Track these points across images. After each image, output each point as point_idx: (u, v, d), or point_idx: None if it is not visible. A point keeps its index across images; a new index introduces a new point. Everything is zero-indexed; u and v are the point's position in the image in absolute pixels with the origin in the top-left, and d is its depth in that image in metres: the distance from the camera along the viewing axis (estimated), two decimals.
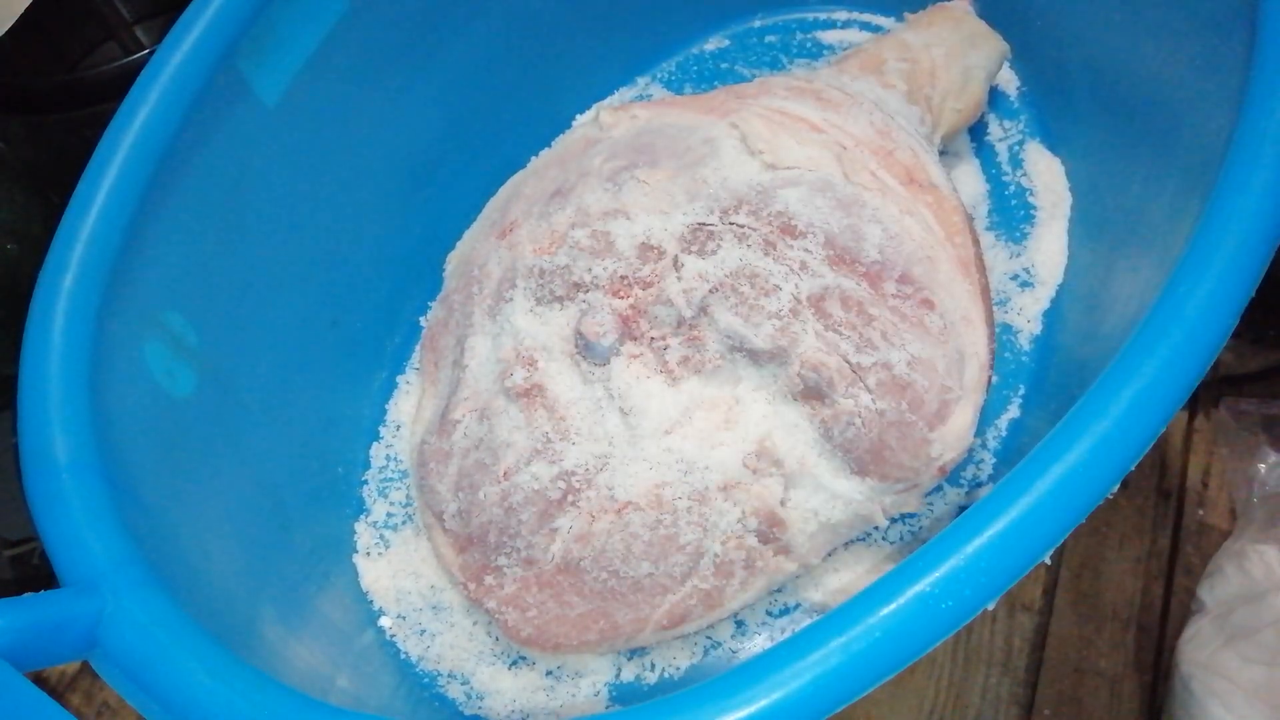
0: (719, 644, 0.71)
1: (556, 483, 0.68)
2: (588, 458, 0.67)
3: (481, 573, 0.71)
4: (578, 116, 0.97)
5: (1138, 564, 0.79)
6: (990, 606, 0.43)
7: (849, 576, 0.71)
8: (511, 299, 0.74)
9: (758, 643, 0.71)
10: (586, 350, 0.68)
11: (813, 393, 0.67)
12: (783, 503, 0.67)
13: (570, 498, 0.67)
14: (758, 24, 1.00)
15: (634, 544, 0.66)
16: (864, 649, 0.42)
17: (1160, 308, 0.48)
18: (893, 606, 0.43)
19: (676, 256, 0.69)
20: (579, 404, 0.69)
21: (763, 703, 0.41)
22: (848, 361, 0.67)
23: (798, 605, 0.71)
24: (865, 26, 0.97)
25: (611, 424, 0.68)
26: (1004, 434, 0.75)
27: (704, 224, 0.69)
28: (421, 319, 0.88)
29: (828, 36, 0.98)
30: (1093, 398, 0.47)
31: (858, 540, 0.72)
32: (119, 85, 0.70)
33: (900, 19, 0.93)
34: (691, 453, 0.66)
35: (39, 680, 0.88)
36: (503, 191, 0.89)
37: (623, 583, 0.67)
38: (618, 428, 0.68)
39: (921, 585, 0.43)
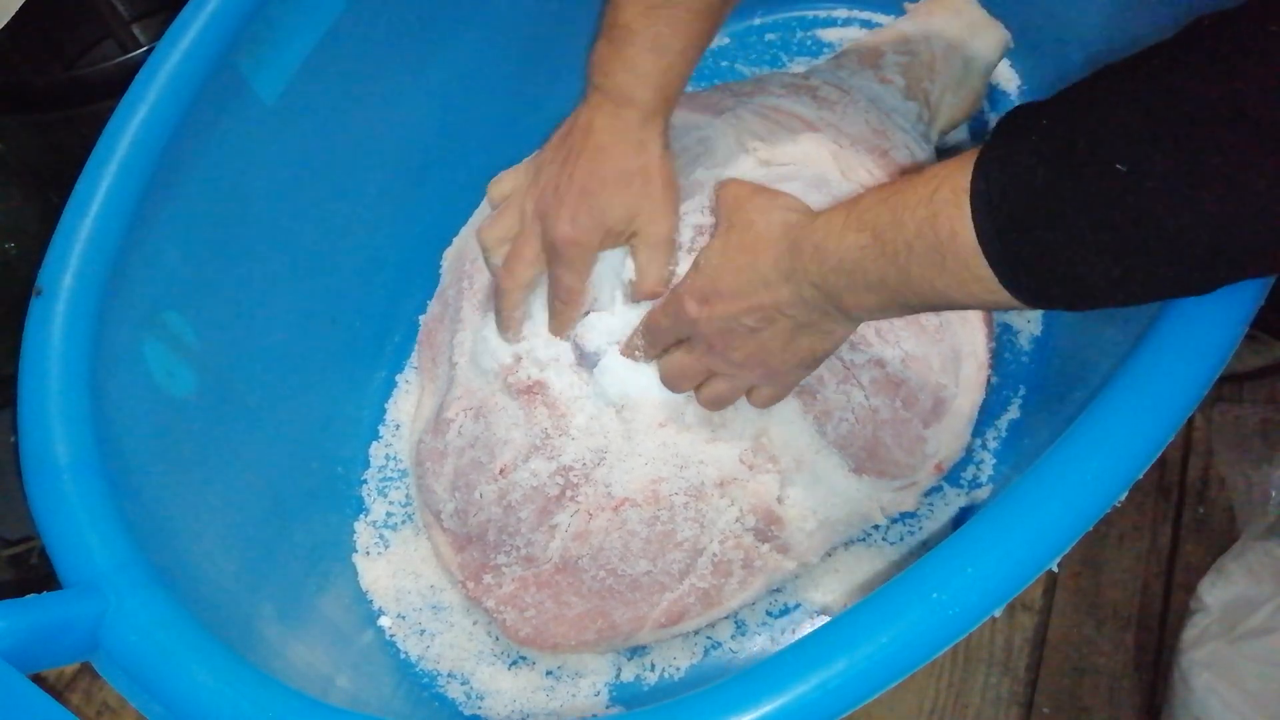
0: (719, 644, 0.71)
1: (555, 478, 0.68)
2: (585, 453, 0.67)
3: (480, 571, 0.71)
4: None
5: (1137, 562, 0.79)
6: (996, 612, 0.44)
7: (849, 577, 0.71)
8: None
9: (758, 643, 0.71)
10: (583, 359, 0.68)
11: (806, 389, 0.67)
12: (780, 500, 0.67)
13: (569, 493, 0.67)
14: (758, 22, 1.00)
15: (632, 541, 0.66)
16: (870, 655, 0.42)
17: (1168, 313, 0.48)
18: (900, 613, 0.43)
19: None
20: (578, 400, 0.69)
21: (767, 708, 0.41)
22: (840, 359, 0.67)
23: (798, 605, 0.71)
24: (865, 24, 0.97)
25: (608, 419, 0.68)
26: (1004, 434, 0.75)
27: (699, 224, 0.69)
28: (420, 318, 0.88)
29: (828, 34, 0.98)
30: (1101, 405, 0.47)
31: (858, 541, 0.72)
32: (117, 83, 0.70)
33: (900, 15, 0.93)
34: (687, 448, 0.66)
35: (38, 681, 0.88)
36: None
37: (621, 581, 0.67)
38: (614, 422, 0.68)
39: (929, 592, 0.43)
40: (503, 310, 0.69)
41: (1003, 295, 0.45)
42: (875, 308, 0.51)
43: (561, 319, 0.68)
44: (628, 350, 0.66)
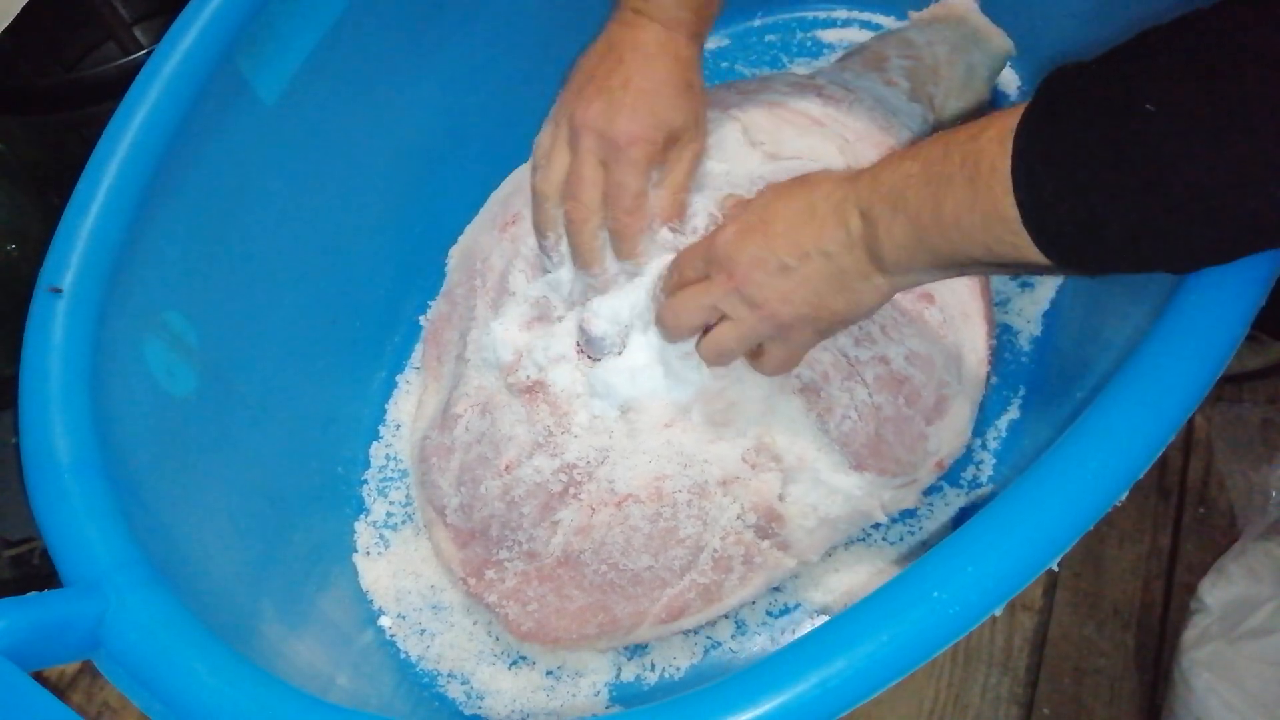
0: (719, 644, 0.71)
1: (558, 475, 0.68)
2: (589, 450, 0.68)
3: (483, 567, 0.71)
4: None
5: (1138, 563, 0.79)
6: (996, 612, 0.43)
7: (850, 577, 0.71)
8: (515, 292, 0.74)
9: (758, 643, 0.71)
10: (589, 345, 0.68)
11: (810, 387, 0.67)
12: (781, 498, 0.67)
13: (572, 490, 0.68)
14: (758, 23, 1.00)
15: (634, 537, 0.67)
16: (870, 653, 0.42)
17: (1170, 313, 0.48)
18: (900, 611, 0.43)
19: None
20: (581, 398, 0.69)
21: (766, 707, 0.41)
22: (845, 355, 0.67)
23: (798, 605, 0.71)
24: (865, 25, 0.98)
25: (612, 417, 0.68)
26: (1004, 435, 0.75)
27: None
28: (421, 318, 0.88)
29: (828, 35, 0.98)
30: (1103, 404, 0.47)
31: (858, 540, 0.72)
32: (118, 85, 0.70)
33: (900, 18, 0.93)
34: (691, 447, 0.66)
35: (39, 681, 0.88)
36: (505, 184, 0.89)
37: (622, 575, 0.67)
38: (618, 421, 0.68)
39: (929, 590, 0.43)
40: (579, 243, 0.66)
41: (1024, 242, 0.45)
42: (903, 246, 0.50)
43: (627, 233, 0.64)
44: (657, 290, 0.64)
